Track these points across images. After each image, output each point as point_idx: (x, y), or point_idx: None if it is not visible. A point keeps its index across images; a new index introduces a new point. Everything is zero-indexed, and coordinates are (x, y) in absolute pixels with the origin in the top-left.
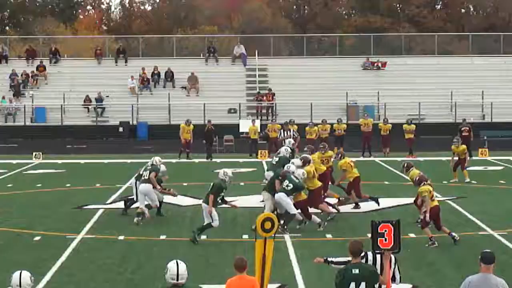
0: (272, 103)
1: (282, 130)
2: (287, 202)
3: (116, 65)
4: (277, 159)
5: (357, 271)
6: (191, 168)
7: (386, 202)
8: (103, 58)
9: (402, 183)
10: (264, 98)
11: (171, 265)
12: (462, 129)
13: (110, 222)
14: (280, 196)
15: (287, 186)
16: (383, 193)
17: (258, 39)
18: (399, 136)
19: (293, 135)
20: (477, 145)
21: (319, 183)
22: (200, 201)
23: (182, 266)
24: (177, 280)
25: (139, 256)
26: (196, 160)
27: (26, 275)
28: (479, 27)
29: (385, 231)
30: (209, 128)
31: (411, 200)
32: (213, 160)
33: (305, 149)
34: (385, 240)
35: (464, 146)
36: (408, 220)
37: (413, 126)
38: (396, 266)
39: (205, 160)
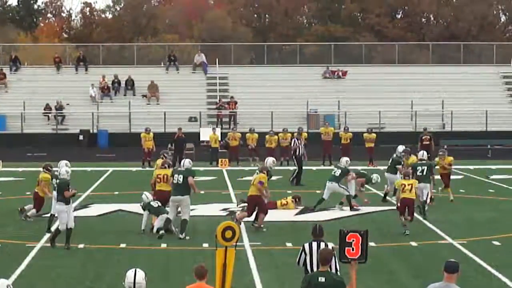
0: (234, 111)
1: (295, 139)
2: None
3: (77, 73)
4: (339, 171)
5: (323, 279)
6: (151, 176)
7: (346, 211)
8: (63, 66)
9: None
10: (227, 106)
11: (129, 273)
12: (423, 138)
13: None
14: None
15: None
16: (344, 202)
17: (219, 48)
18: (360, 145)
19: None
20: (437, 154)
21: None
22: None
23: (140, 274)
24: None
25: (99, 264)
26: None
27: (2, 283)
28: (440, 37)
29: (353, 240)
30: (179, 135)
31: (371, 208)
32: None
33: None
34: (353, 249)
35: (450, 158)
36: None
37: (373, 135)
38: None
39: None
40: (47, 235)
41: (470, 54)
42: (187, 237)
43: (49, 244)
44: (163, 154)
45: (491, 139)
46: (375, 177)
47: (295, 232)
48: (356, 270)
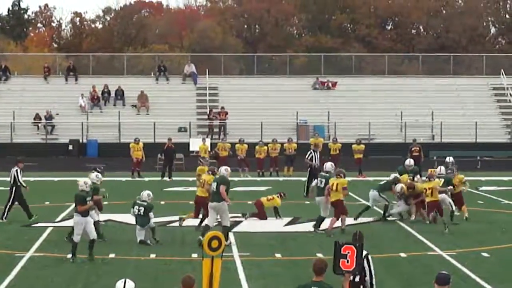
0: (225, 122)
1: (312, 152)
2: None
3: (67, 82)
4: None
5: None
6: (141, 186)
7: (335, 222)
8: (53, 76)
9: (351, 203)
10: (217, 116)
11: (119, 284)
12: (413, 149)
13: (59, 240)
14: None
15: None
16: (333, 213)
17: (209, 58)
18: (349, 156)
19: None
20: (427, 165)
21: None
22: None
23: (129, 285)
24: None
25: (88, 274)
26: (147, 179)
27: None
28: (429, 48)
29: (348, 252)
30: (169, 146)
31: (360, 220)
32: (164, 178)
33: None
34: (347, 262)
35: (461, 176)
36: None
37: (362, 146)
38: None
39: (156, 178)
40: (36, 245)
41: (460, 66)
42: (230, 243)
43: (38, 254)
44: (199, 160)
45: (480, 151)
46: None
47: (284, 243)
48: (349, 282)
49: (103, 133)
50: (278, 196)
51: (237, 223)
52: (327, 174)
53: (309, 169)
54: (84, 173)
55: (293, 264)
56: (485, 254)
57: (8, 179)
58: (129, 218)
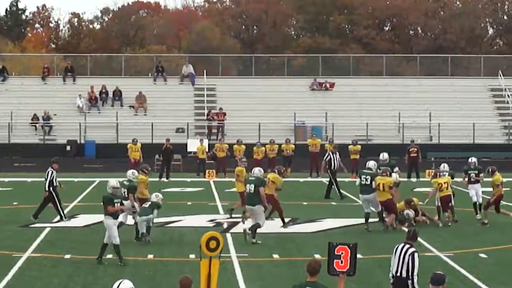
0: (223, 123)
1: (329, 152)
2: None
3: (64, 83)
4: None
5: None
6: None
7: (333, 223)
8: (51, 77)
9: (348, 204)
10: (215, 117)
11: (115, 284)
12: (410, 150)
13: (57, 240)
14: None
15: None
16: (331, 214)
17: (207, 59)
18: (345, 157)
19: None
20: (424, 166)
21: None
22: None
23: (125, 286)
24: None
25: (86, 275)
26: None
27: None
28: (427, 49)
29: (342, 253)
30: (167, 146)
31: (357, 220)
32: (162, 179)
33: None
34: (341, 262)
35: (498, 176)
36: (355, 240)
37: (358, 147)
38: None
39: (154, 179)
40: (34, 245)
41: (458, 67)
42: (259, 241)
43: (36, 254)
44: (237, 160)
45: (478, 152)
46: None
47: (282, 243)
48: (344, 283)
49: (101, 133)
50: (277, 176)
51: (235, 223)
52: (371, 171)
53: (328, 171)
54: (81, 173)
55: (291, 264)
56: (482, 255)
57: (7, 179)
58: (127, 219)
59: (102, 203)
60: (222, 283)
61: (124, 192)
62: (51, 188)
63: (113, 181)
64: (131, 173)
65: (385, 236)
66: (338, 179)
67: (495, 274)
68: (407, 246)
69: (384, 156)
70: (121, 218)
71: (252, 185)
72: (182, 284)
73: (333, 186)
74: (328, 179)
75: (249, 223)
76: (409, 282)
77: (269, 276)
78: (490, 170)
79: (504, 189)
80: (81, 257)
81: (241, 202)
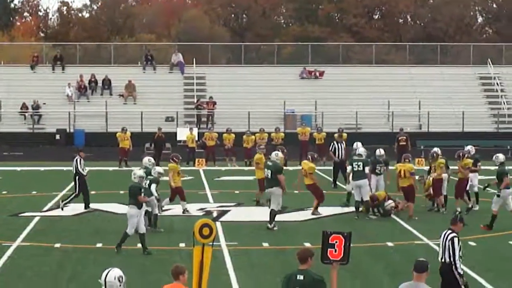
0: (212, 111)
1: (335, 143)
2: None
3: (53, 72)
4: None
5: (301, 277)
6: (128, 176)
7: (322, 211)
8: (40, 65)
9: (338, 192)
10: (205, 106)
11: (104, 272)
12: (399, 138)
13: (46, 229)
14: None
15: None
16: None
17: (196, 47)
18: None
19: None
20: (414, 154)
21: None
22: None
23: (113, 274)
24: (105, 287)
25: (76, 264)
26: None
27: None
28: (417, 37)
29: (336, 242)
30: (159, 135)
31: (348, 209)
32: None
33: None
34: (335, 251)
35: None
36: (345, 228)
37: (344, 135)
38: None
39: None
40: (24, 235)
41: (447, 55)
42: (275, 228)
43: (25, 243)
44: (257, 148)
45: (467, 140)
46: None
47: (272, 232)
48: (336, 271)
49: (90, 122)
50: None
51: (224, 212)
52: (362, 157)
53: (333, 161)
54: (70, 162)
55: (280, 253)
56: (471, 243)
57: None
58: (116, 208)
59: (128, 193)
60: (212, 271)
61: (145, 183)
62: (77, 177)
63: (140, 171)
64: (147, 160)
65: (376, 225)
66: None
67: (484, 262)
68: (449, 231)
69: (381, 152)
70: (148, 208)
71: (269, 171)
72: (172, 272)
73: (336, 174)
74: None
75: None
76: (453, 267)
77: (259, 264)
78: (460, 154)
79: (490, 177)
80: (71, 246)
81: (259, 190)
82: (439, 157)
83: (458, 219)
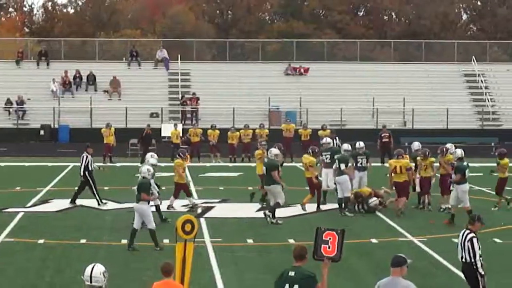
0: (196, 108)
1: (332, 139)
2: None
3: (38, 67)
4: None
5: (292, 273)
6: (113, 172)
7: (307, 208)
8: (24, 61)
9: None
10: (189, 102)
11: (88, 267)
12: (382, 135)
13: (30, 225)
14: None
15: None
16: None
17: (181, 44)
18: (317, 141)
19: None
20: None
21: None
22: (121, 205)
23: (98, 269)
24: (91, 282)
25: (59, 259)
26: (118, 164)
27: None
28: (401, 34)
29: (330, 238)
30: (148, 132)
31: (329, 206)
32: (135, 164)
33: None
34: (329, 247)
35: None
36: (329, 225)
37: (328, 132)
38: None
39: (128, 164)
40: (7, 231)
41: (432, 52)
42: (280, 222)
43: (9, 239)
44: (258, 144)
45: (451, 137)
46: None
47: (256, 228)
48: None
49: (74, 118)
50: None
51: (209, 208)
52: (330, 149)
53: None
54: (55, 158)
55: (264, 249)
56: (455, 240)
57: None
58: (101, 204)
59: (137, 189)
60: (196, 268)
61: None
62: (86, 173)
63: (150, 167)
64: (149, 156)
65: (360, 221)
66: None
67: None
68: (467, 231)
69: (360, 144)
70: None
71: (265, 168)
72: (163, 269)
73: None
74: None
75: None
76: (474, 267)
77: (242, 261)
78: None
79: (474, 174)
80: (55, 241)
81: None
82: (448, 151)
83: (476, 218)
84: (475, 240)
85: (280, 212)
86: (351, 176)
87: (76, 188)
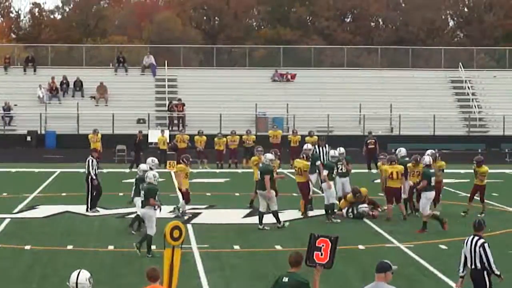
0: (183, 114)
1: (317, 148)
2: None
3: (25, 73)
4: None
5: (286, 279)
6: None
7: (294, 214)
8: (11, 67)
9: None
10: (175, 108)
11: (73, 274)
12: (368, 141)
13: (16, 231)
14: None
15: None
16: (291, 205)
17: (168, 50)
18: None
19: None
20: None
21: None
22: (108, 211)
23: (83, 275)
24: None
25: (45, 266)
26: (105, 170)
27: None
28: (388, 41)
29: (323, 245)
30: (140, 138)
31: (317, 212)
32: (122, 170)
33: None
34: (321, 254)
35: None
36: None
37: (315, 138)
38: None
39: (115, 170)
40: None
41: (418, 58)
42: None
43: None
44: (255, 150)
45: (438, 143)
46: None
47: (243, 234)
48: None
49: (61, 124)
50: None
51: (196, 215)
52: (312, 153)
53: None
54: (42, 164)
55: (251, 256)
56: (442, 246)
57: None
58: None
59: (144, 194)
60: (183, 274)
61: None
62: (89, 178)
63: (155, 173)
64: (150, 160)
65: (348, 228)
66: None
67: (455, 265)
68: (476, 238)
69: (341, 150)
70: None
71: (259, 173)
72: (149, 274)
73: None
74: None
75: (262, 207)
76: (485, 272)
77: (229, 267)
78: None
79: (460, 180)
80: (41, 248)
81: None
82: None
83: (484, 224)
84: (486, 245)
85: (267, 219)
86: (327, 185)
87: (90, 195)
